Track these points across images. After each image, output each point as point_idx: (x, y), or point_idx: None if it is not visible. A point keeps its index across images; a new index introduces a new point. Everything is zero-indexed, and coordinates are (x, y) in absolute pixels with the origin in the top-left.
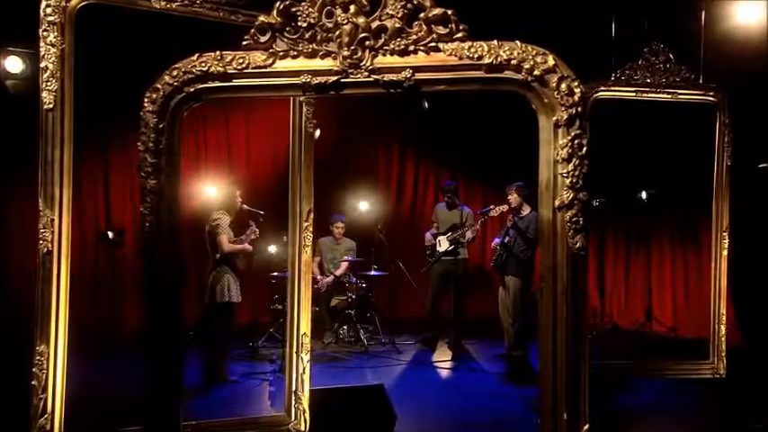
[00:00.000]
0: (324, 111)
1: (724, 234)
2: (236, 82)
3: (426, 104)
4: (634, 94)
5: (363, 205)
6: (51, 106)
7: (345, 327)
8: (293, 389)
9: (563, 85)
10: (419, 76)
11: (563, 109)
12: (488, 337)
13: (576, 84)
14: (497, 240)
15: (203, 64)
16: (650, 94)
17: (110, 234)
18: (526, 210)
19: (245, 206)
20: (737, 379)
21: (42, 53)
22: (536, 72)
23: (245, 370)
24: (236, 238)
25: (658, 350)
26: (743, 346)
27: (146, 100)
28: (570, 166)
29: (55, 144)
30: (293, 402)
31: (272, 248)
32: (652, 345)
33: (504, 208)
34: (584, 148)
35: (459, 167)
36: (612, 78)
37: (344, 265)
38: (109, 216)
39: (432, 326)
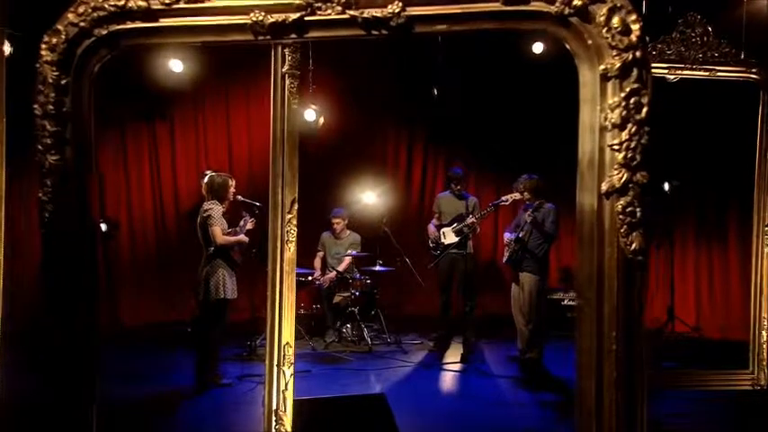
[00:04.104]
0: (326, 97)
1: (766, 229)
2: (163, 22)
3: (436, 91)
4: (666, 70)
5: (369, 197)
6: None
7: (348, 325)
8: (273, 407)
9: (615, 20)
10: (411, 10)
11: (614, 54)
12: (500, 338)
13: (634, 18)
14: (510, 235)
15: None
16: (685, 71)
17: (102, 226)
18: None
19: (240, 197)
20: None
21: None
22: (576, 2)
23: (239, 372)
24: (231, 229)
25: (684, 353)
26: None
27: (43, 46)
28: (624, 135)
29: None
30: (273, 423)
31: None
32: (676, 347)
33: (516, 196)
34: (645, 109)
35: (472, 154)
36: None
37: (348, 260)
38: (103, 207)
39: (443, 324)
